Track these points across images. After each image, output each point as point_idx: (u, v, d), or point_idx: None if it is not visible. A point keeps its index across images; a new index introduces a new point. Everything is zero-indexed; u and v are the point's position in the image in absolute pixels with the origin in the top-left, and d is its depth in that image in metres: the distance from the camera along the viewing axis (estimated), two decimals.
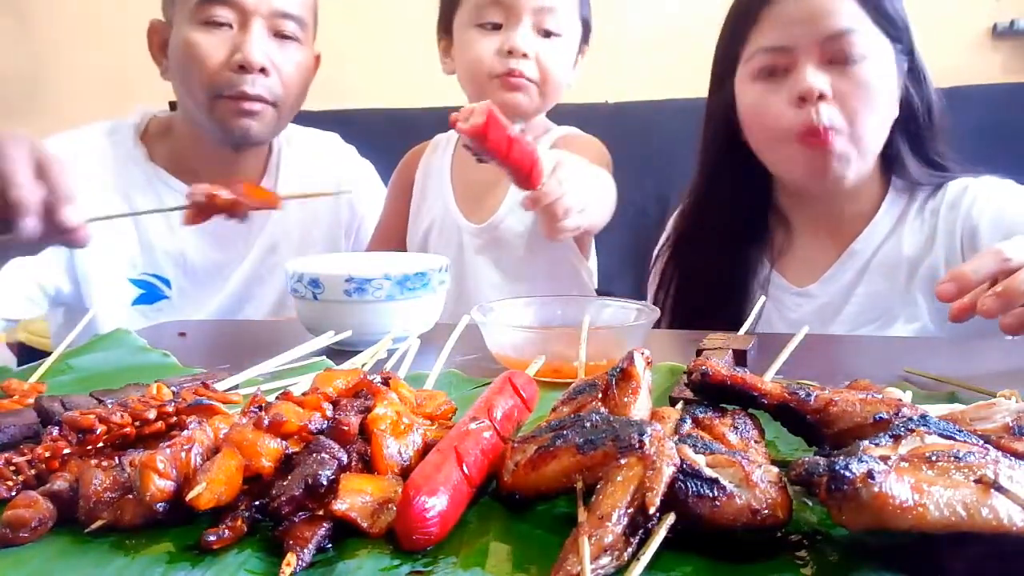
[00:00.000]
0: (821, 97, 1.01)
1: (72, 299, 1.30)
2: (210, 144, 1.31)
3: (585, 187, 1.00)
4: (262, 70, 1.22)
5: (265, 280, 1.39)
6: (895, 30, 1.04)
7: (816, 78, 1.01)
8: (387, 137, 1.60)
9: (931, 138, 1.11)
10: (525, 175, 0.90)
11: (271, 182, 1.39)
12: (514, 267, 1.34)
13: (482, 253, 1.35)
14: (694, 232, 1.22)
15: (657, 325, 0.97)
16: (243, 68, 1.21)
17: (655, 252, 1.34)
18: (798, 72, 1.03)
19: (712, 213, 1.20)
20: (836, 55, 1.02)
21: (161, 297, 1.33)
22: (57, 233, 0.81)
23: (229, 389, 0.70)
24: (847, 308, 1.13)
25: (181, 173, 1.32)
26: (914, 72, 1.08)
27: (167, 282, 1.33)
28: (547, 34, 1.26)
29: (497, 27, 1.26)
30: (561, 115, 1.45)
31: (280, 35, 1.25)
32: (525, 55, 1.24)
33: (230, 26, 1.22)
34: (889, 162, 1.12)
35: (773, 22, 1.05)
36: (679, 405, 0.62)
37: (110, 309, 1.27)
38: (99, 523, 0.48)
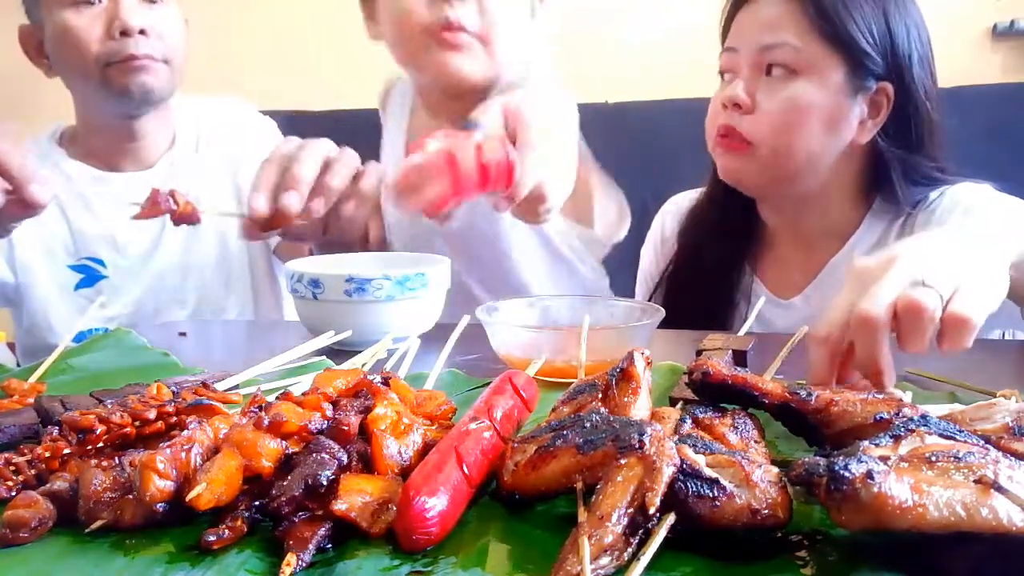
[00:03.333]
0: (739, 107, 1.04)
1: (13, 291, 1.35)
2: (103, 122, 1.35)
3: (554, 160, 0.80)
4: (141, 31, 1.25)
5: (202, 238, 1.40)
6: (851, 52, 1.02)
7: (739, 88, 1.04)
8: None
9: (924, 161, 1.08)
10: (505, 187, 0.72)
11: (172, 152, 1.42)
12: (487, 257, 1.24)
13: (453, 247, 1.23)
14: (695, 230, 1.23)
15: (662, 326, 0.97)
16: (124, 33, 1.24)
17: (642, 251, 1.36)
18: (735, 78, 1.07)
19: (711, 212, 1.21)
20: (770, 64, 1.04)
21: (100, 277, 1.37)
22: (19, 212, 0.86)
23: (229, 389, 0.70)
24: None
25: (88, 159, 1.38)
26: (902, 101, 1.05)
27: (102, 263, 1.37)
28: None
29: None
30: None
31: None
32: None
33: (100, 1, 1.25)
34: (875, 182, 1.11)
35: (736, 26, 1.09)
36: (679, 405, 0.62)
37: (54, 297, 1.34)
38: (99, 523, 0.48)
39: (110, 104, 1.31)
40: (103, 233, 1.36)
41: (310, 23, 2.64)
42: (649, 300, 1.25)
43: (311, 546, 0.45)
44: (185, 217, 0.95)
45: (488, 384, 0.63)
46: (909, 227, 1.09)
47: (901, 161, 1.08)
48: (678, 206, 1.33)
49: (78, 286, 1.36)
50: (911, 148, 1.08)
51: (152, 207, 0.94)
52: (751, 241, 1.21)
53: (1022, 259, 0.75)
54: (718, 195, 1.19)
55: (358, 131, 1.56)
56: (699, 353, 0.77)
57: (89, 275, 1.37)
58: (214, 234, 1.40)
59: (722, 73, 1.12)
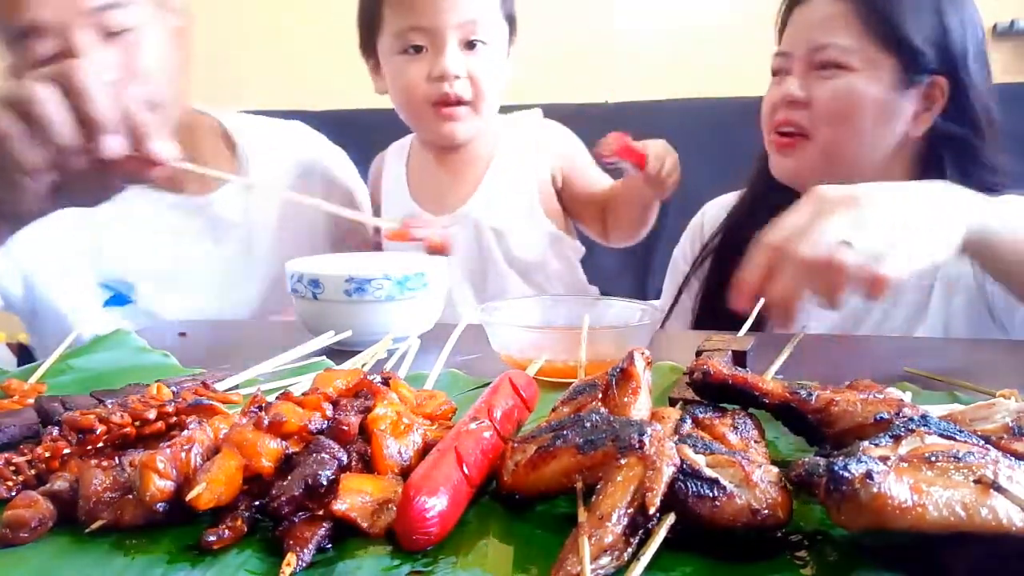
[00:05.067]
0: (795, 103, 1.07)
1: (19, 304, 1.27)
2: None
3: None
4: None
5: (239, 285, 1.33)
6: (903, 49, 1.03)
7: (794, 85, 1.07)
8: (387, 137, 1.60)
9: (980, 158, 1.08)
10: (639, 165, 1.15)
11: (242, 172, 1.34)
12: (488, 260, 1.35)
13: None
14: (737, 231, 1.23)
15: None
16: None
17: (676, 252, 1.36)
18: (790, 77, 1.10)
19: (754, 212, 1.21)
20: (822, 63, 1.06)
21: (127, 302, 1.29)
22: (138, 169, 0.78)
23: (229, 389, 0.70)
24: (871, 318, 1.12)
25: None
26: (957, 95, 1.06)
27: (131, 287, 1.29)
28: (473, 45, 1.24)
29: (422, 49, 1.24)
30: (561, 115, 1.45)
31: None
32: (457, 76, 1.23)
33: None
34: (926, 179, 1.11)
35: (788, 29, 1.12)
36: (679, 405, 0.62)
37: (82, 313, 1.25)
38: (99, 523, 0.48)
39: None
40: (131, 253, 1.28)
41: (310, 23, 2.65)
42: (676, 299, 1.25)
43: (311, 546, 0.45)
44: (437, 249, 0.94)
45: (488, 384, 0.63)
46: None
47: (954, 158, 1.08)
48: (718, 207, 1.32)
49: (108, 303, 1.28)
50: (965, 144, 1.08)
51: (400, 233, 0.93)
52: None
53: (989, 237, 0.78)
54: (760, 195, 1.20)
55: (359, 131, 1.56)
56: (699, 354, 0.77)
57: (117, 295, 1.29)
58: (259, 281, 1.34)
59: (774, 73, 1.14)
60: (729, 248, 1.22)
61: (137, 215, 1.27)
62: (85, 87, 0.74)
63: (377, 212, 1.45)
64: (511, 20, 1.32)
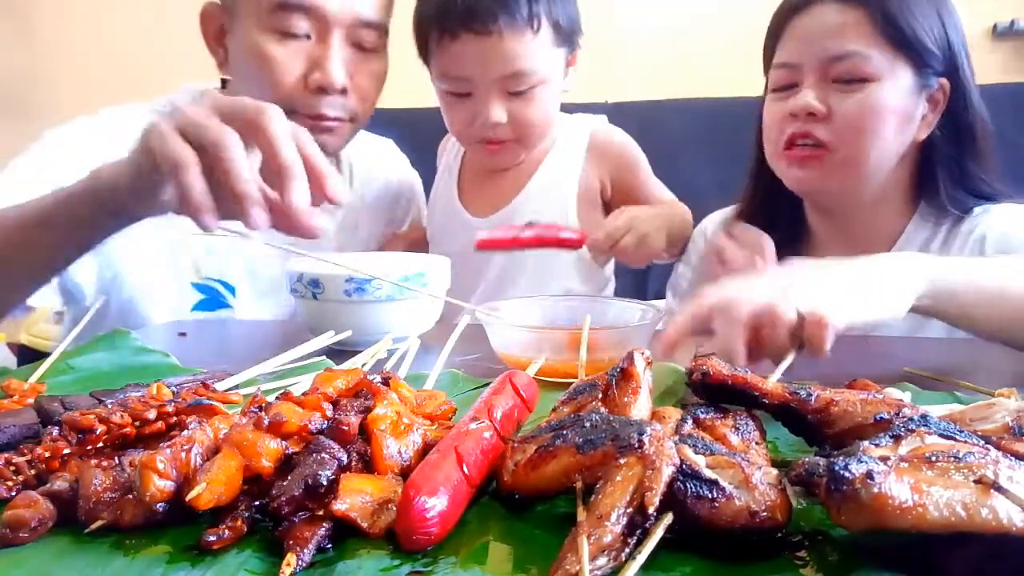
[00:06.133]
0: (813, 115, 1.03)
1: (84, 298, 1.18)
2: None
3: (639, 227, 1.16)
4: (342, 90, 1.12)
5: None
6: (917, 55, 1.02)
7: (810, 97, 1.03)
8: (392, 138, 1.60)
9: (974, 162, 1.08)
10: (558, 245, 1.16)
11: (348, 189, 1.35)
12: (515, 264, 1.33)
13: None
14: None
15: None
16: (322, 89, 1.11)
17: (679, 267, 1.34)
18: (800, 89, 1.05)
19: (754, 217, 1.20)
20: (840, 75, 1.02)
21: (223, 306, 1.25)
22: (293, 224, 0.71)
23: (229, 389, 0.70)
24: (876, 328, 1.12)
25: None
26: (957, 97, 1.05)
27: (232, 289, 1.25)
28: (519, 92, 1.21)
29: (466, 94, 1.22)
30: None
31: (358, 46, 1.14)
32: (499, 122, 1.22)
33: (307, 36, 1.11)
34: (921, 185, 1.11)
35: (789, 39, 1.08)
36: (678, 403, 0.62)
37: (164, 315, 1.19)
38: (99, 523, 0.48)
39: None
40: (241, 255, 1.23)
41: None
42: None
43: (311, 546, 0.45)
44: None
45: (488, 384, 0.63)
46: (952, 238, 1.08)
47: (949, 160, 1.08)
48: (716, 223, 1.30)
49: (196, 307, 1.23)
50: (962, 145, 1.07)
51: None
52: (797, 247, 1.19)
53: (943, 291, 0.78)
54: (757, 204, 1.19)
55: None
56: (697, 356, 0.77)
57: (212, 298, 1.24)
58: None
59: (778, 87, 1.08)
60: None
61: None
62: (228, 161, 0.69)
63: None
64: (570, 33, 1.24)
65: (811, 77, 1.04)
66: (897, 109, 1.03)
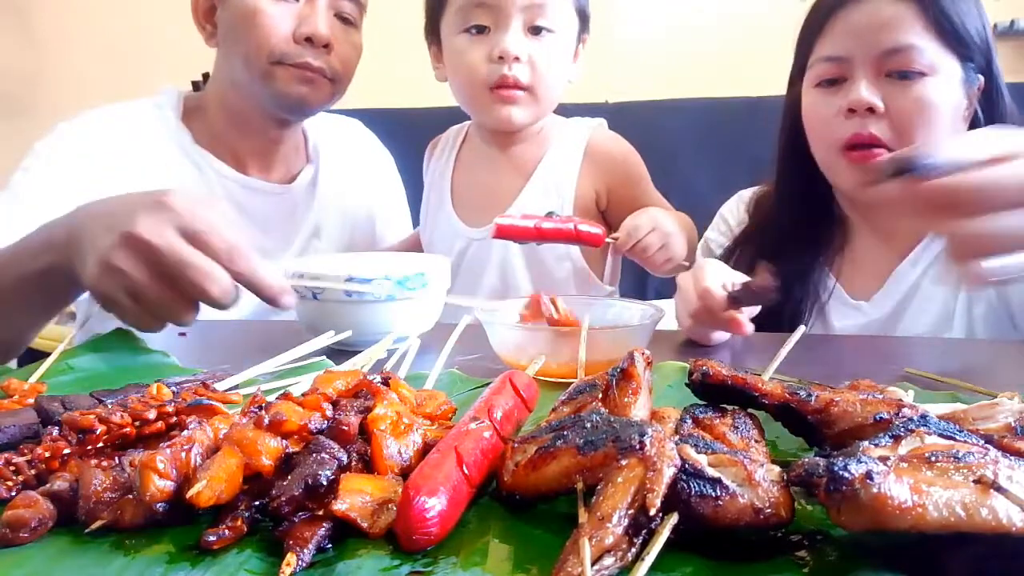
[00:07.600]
0: (871, 111, 1.01)
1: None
2: (255, 121, 1.29)
3: (662, 226, 1.17)
4: (326, 45, 1.21)
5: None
6: (964, 49, 1.01)
7: (867, 91, 1.01)
8: (390, 137, 1.60)
9: None
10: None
11: (313, 168, 1.39)
12: (511, 276, 1.33)
13: (482, 259, 1.33)
14: (765, 225, 1.21)
15: None
16: (309, 41, 1.20)
17: (709, 234, 1.32)
18: (852, 83, 1.03)
19: (782, 210, 1.19)
20: (894, 69, 1.01)
21: None
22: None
23: (229, 389, 0.70)
24: (899, 325, 1.11)
25: (220, 154, 1.30)
26: (990, 91, 1.05)
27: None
28: (538, 30, 1.22)
29: (484, 30, 1.23)
30: (561, 115, 1.45)
31: (340, 16, 1.24)
32: (517, 58, 1.21)
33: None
34: None
35: (835, 32, 1.05)
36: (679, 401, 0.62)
37: None
38: (99, 523, 0.48)
39: (262, 97, 1.25)
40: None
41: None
42: None
43: (311, 546, 0.45)
44: (562, 324, 0.92)
45: (488, 384, 0.63)
46: None
47: None
48: (748, 198, 1.28)
49: None
50: None
51: (534, 313, 0.92)
52: (828, 240, 1.18)
53: None
54: (787, 195, 1.18)
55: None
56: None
57: None
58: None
59: (825, 81, 1.06)
60: (757, 245, 1.20)
61: (255, 208, 1.30)
62: (176, 250, 0.71)
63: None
64: (583, 16, 1.29)
65: (863, 71, 1.02)
66: (951, 103, 1.02)
